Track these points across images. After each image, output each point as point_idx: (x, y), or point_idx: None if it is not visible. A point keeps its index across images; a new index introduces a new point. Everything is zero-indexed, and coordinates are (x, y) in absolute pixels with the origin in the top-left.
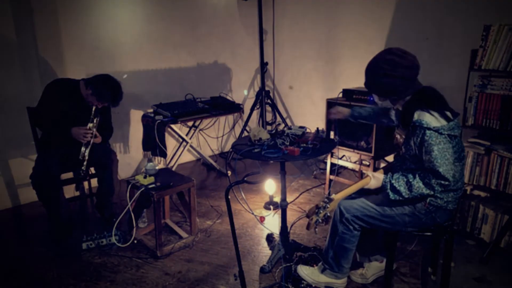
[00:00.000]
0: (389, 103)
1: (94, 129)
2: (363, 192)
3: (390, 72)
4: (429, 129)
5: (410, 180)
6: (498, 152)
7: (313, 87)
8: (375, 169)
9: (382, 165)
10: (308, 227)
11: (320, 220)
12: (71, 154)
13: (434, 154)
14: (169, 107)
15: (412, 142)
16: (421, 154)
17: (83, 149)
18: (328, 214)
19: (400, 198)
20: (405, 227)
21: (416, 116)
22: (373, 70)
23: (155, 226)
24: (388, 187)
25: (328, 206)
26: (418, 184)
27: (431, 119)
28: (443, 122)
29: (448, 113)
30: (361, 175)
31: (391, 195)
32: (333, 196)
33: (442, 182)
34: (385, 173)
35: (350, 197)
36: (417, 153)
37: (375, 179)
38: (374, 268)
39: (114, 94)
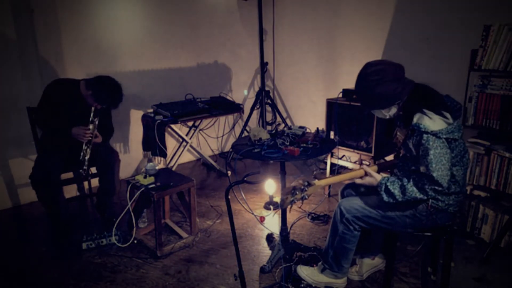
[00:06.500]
0: (395, 111)
1: (94, 129)
2: (363, 193)
3: (383, 79)
4: (427, 133)
5: (405, 184)
6: (498, 152)
7: (313, 87)
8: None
9: None
10: (282, 205)
11: (295, 201)
12: (72, 154)
13: (429, 158)
14: (169, 107)
15: (411, 144)
16: (419, 157)
17: (84, 148)
18: (306, 197)
19: (394, 201)
20: (405, 228)
21: (415, 119)
22: (365, 86)
23: (155, 226)
24: (383, 188)
25: (307, 189)
26: (411, 188)
27: (429, 123)
28: (442, 125)
29: (448, 115)
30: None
31: (385, 197)
32: (314, 182)
33: (436, 187)
34: (380, 169)
35: (351, 196)
36: (415, 154)
37: (371, 176)
38: (366, 265)
39: (114, 97)
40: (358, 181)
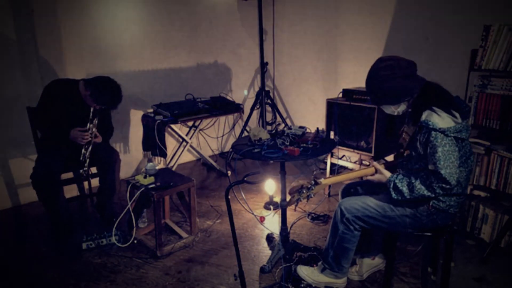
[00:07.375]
0: (404, 107)
1: (94, 129)
2: (363, 193)
3: (393, 75)
4: (435, 130)
5: (413, 181)
6: (498, 152)
7: (313, 87)
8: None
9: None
10: (289, 203)
11: (301, 199)
12: (72, 155)
13: (438, 156)
14: (169, 107)
15: (418, 141)
16: (426, 154)
17: (84, 150)
18: (312, 195)
19: (402, 198)
20: (405, 228)
21: (424, 116)
22: (376, 80)
23: (155, 226)
24: (391, 185)
25: (313, 188)
26: (419, 186)
27: (438, 120)
28: (451, 123)
29: (457, 114)
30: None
31: (393, 194)
32: (320, 180)
33: (444, 185)
34: (387, 168)
35: (351, 196)
36: (422, 152)
37: (381, 174)
38: (366, 265)
39: (113, 98)
40: (369, 178)
